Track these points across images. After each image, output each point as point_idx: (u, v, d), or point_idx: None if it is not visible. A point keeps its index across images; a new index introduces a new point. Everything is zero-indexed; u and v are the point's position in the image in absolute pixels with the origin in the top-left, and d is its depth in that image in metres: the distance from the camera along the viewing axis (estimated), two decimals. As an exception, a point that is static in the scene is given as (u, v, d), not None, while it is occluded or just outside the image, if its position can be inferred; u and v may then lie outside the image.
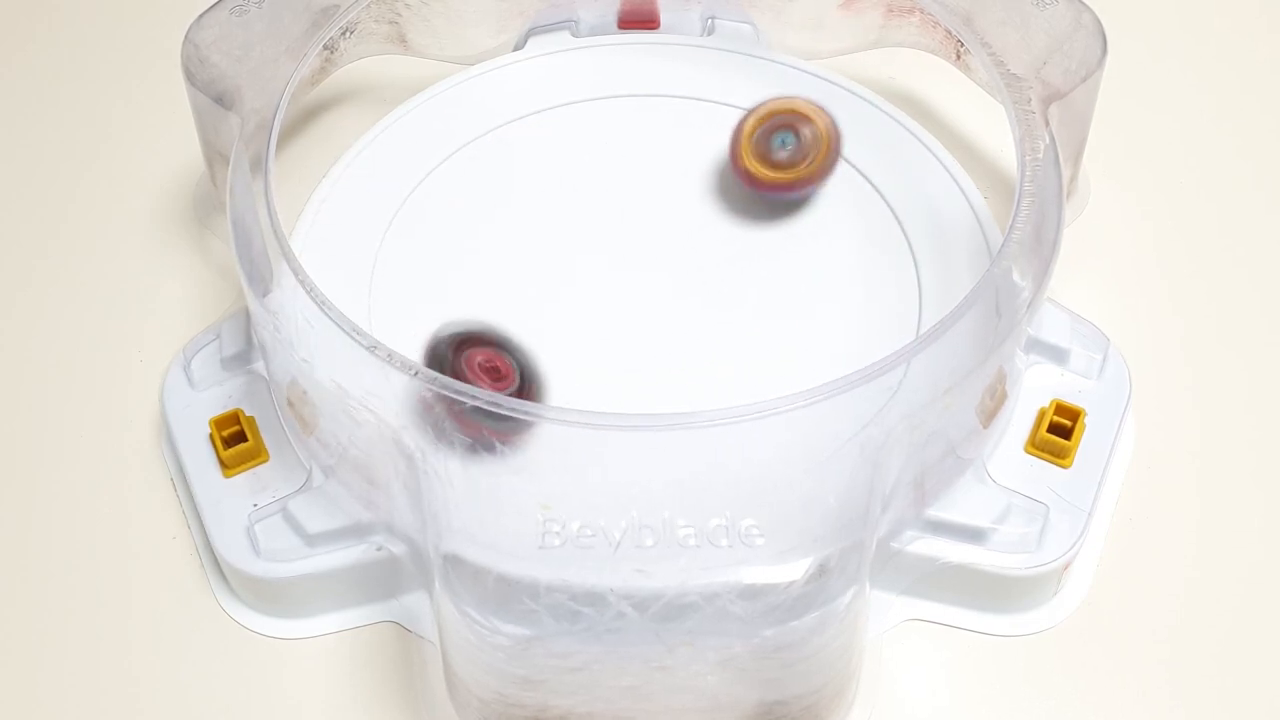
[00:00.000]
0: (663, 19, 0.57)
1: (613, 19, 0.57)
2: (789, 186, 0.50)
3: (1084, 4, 0.49)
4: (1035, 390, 0.47)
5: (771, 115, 0.50)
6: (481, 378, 0.43)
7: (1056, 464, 0.46)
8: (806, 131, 0.49)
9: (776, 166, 0.50)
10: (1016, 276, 0.44)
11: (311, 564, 0.44)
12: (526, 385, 0.44)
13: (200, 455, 0.47)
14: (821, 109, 0.50)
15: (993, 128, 0.55)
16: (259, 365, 0.48)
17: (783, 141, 0.49)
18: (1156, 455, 0.49)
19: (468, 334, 0.44)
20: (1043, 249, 0.44)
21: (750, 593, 0.39)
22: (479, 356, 0.43)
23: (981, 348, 0.43)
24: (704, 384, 0.47)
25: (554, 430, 0.40)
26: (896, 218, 0.51)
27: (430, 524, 0.40)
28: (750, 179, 0.50)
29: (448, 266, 0.50)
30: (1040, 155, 0.46)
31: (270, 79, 0.49)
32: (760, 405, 0.40)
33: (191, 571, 0.47)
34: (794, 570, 0.39)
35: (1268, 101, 0.59)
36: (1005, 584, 0.45)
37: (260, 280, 0.44)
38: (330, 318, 0.42)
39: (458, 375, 0.42)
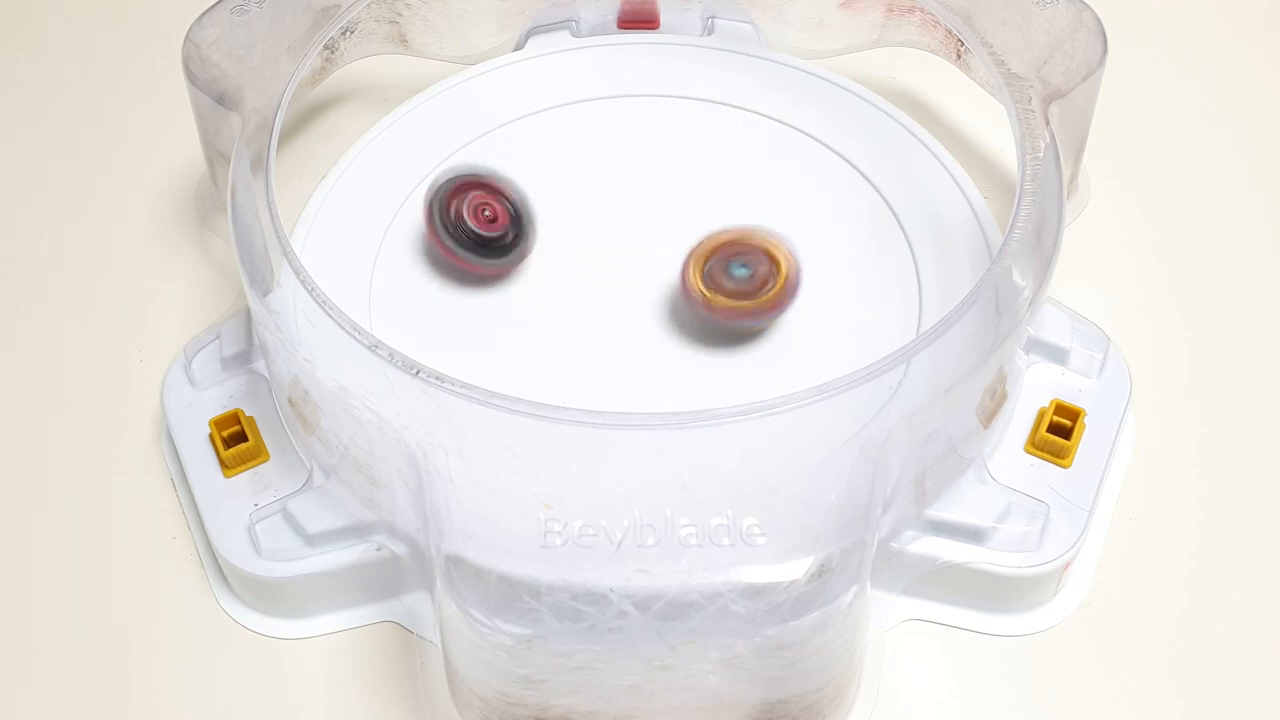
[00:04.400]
0: (663, 19, 0.57)
1: (613, 19, 0.57)
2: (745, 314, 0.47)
3: (1085, 3, 0.49)
4: (1035, 390, 0.47)
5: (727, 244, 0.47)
6: (477, 219, 0.48)
7: (1056, 464, 0.46)
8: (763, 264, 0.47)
9: (731, 294, 0.47)
10: (1016, 276, 0.44)
11: (312, 564, 0.44)
12: (518, 226, 0.48)
13: (200, 455, 0.47)
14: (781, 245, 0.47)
15: (993, 128, 0.55)
16: (260, 365, 0.48)
17: (738, 269, 0.47)
18: (1156, 455, 0.49)
19: (463, 178, 0.48)
20: (1043, 249, 0.45)
21: (752, 592, 0.39)
22: (475, 199, 0.48)
23: (981, 347, 0.43)
24: (705, 383, 0.47)
25: (555, 429, 0.40)
26: (896, 218, 0.51)
27: (432, 523, 0.40)
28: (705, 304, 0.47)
29: (448, 266, 0.50)
30: (1040, 154, 0.46)
31: (271, 78, 0.49)
32: (760, 405, 0.41)
33: (191, 571, 0.47)
34: (795, 569, 0.39)
35: (1268, 101, 0.59)
36: (1005, 584, 0.45)
37: (261, 280, 0.44)
38: (332, 317, 0.42)
39: (457, 218, 0.48)
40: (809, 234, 0.51)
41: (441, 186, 0.48)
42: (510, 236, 0.48)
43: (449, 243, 0.48)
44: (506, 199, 0.48)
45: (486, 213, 0.48)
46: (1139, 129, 0.58)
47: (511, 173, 0.52)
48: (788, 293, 0.47)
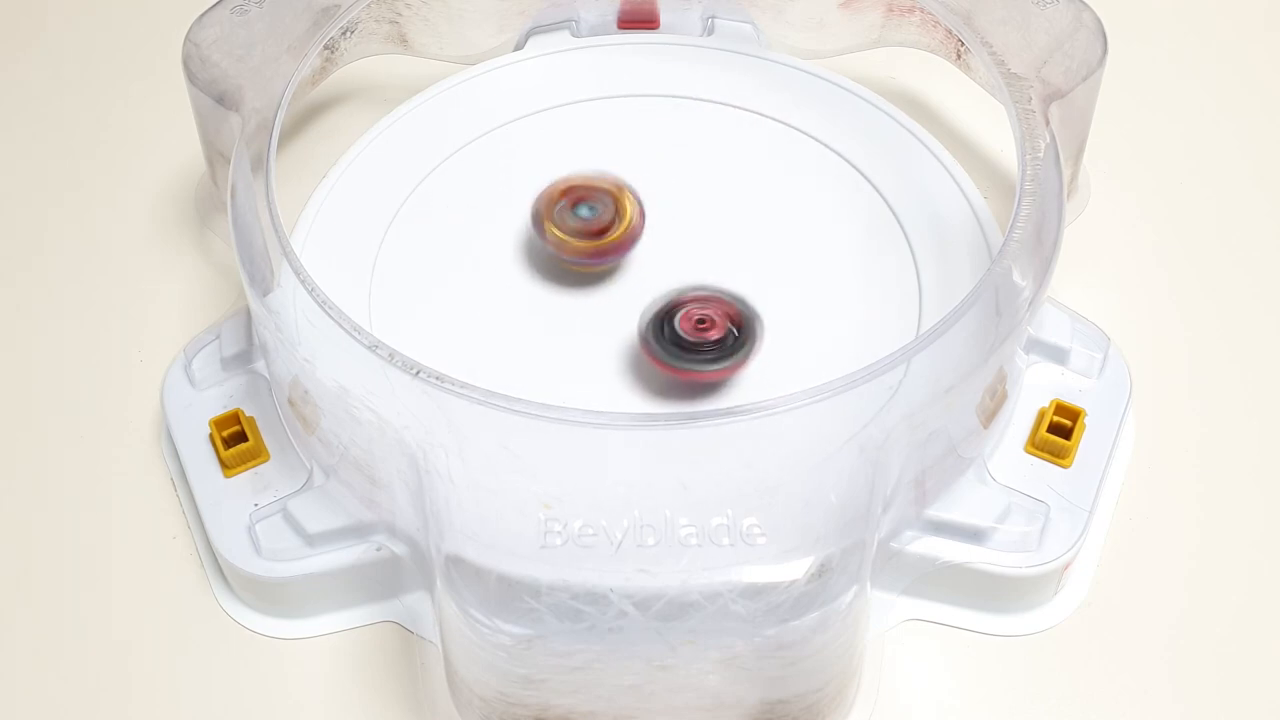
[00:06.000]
0: (663, 19, 0.57)
1: (613, 19, 0.57)
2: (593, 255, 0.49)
3: (1084, 3, 0.49)
4: (1035, 390, 0.47)
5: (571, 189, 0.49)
6: (695, 331, 0.46)
7: (1056, 464, 0.46)
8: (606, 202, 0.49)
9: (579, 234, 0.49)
10: (1016, 276, 0.44)
11: (312, 564, 0.44)
12: (739, 331, 0.46)
13: (200, 455, 0.47)
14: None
15: (993, 128, 0.55)
16: (260, 365, 0.48)
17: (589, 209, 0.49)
18: (1156, 455, 0.49)
19: (672, 303, 0.47)
20: (1043, 249, 0.45)
21: (752, 592, 0.39)
22: (693, 314, 0.46)
23: (981, 347, 0.43)
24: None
25: (555, 429, 0.40)
26: (896, 218, 0.51)
27: (432, 523, 0.40)
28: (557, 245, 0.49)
29: (448, 266, 0.50)
30: (1040, 155, 0.46)
31: (271, 78, 0.49)
32: (760, 405, 0.41)
33: (191, 571, 0.47)
34: (795, 569, 0.39)
35: (1268, 101, 0.59)
36: (1005, 584, 0.45)
37: (261, 280, 0.44)
38: (332, 317, 0.42)
39: (676, 336, 0.46)
40: (809, 234, 0.51)
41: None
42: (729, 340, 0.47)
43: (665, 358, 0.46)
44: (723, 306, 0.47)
45: (701, 322, 0.46)
46: (1139, 129, 0.58)
47: (511, 173, 0.53)
48: (630, 236, 0.49)
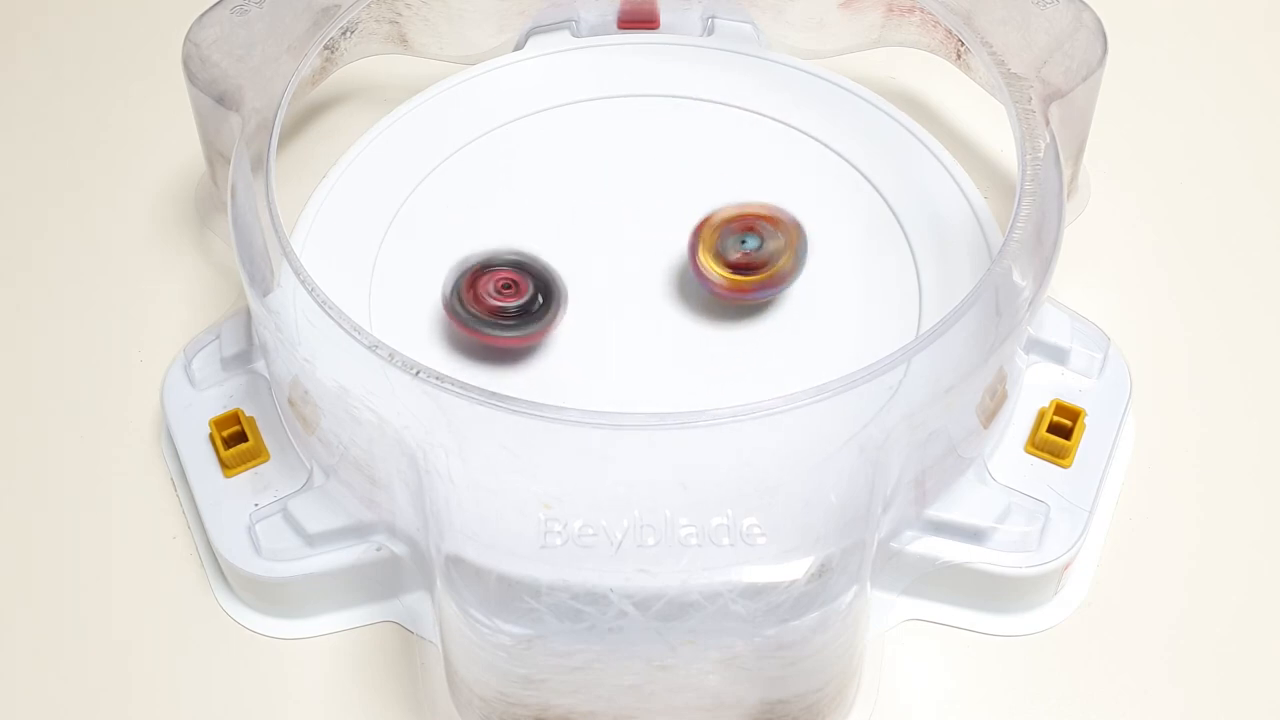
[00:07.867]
0: (663, 19, 0.57)
1: (613, 19, 0.57)
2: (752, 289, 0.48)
3: (1084, 3, 0.50)
4: (1035, 390, 0.47)
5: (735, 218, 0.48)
6: (496, 295, 0.46)
7: (1056, 464, 0.46)
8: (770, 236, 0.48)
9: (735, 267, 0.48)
10: (1017, 276, 0.44)
11: (312, 564, 0.44)
12: (542, 295, 0.47)
13: (200, 455, 0.47)
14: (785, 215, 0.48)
15: (993, 128, 0.55)
16: (260, 365, 0.48)
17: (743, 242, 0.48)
18: (1156, 455, 0.49)
19: (482, 264, 0.47)
20: (1043, 249, 0.45)
21: (752, 592, 0.39)
22: (495, 279, 0.47)
23: (981, 347, 0.43)
24: (704, 383, 0.47)
25: (555, 429, 0.40)
26: (896, 218, 0.51)
27: (432, 523, 0.40)
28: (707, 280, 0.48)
29: (448, 266, 0.50)
30: (1041, 154, 0.46)
31: (271, 78, 0.49)
32: (760, 405, 0.41)
33: (191, 571, 0.47)
34: (795, 569, 0.39)
35: (1268, 101, 0.59)
36: (1005, 584, 0.45)
37: (261, 280, 0.44)
38: (332, 317, 0.42)
39: (477, 300, 0.46)
40: (809, 234, 0.51)
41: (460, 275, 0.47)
42: (535, 304, 0.47)
43: (472, 323, 0.46)
44: (527, 272, 0.47)
45: (507, 287, 0.46)
46: (1139, 129, 0.58)
47: (511, 173, 0.53)
48: (798, 260, 0.48)
